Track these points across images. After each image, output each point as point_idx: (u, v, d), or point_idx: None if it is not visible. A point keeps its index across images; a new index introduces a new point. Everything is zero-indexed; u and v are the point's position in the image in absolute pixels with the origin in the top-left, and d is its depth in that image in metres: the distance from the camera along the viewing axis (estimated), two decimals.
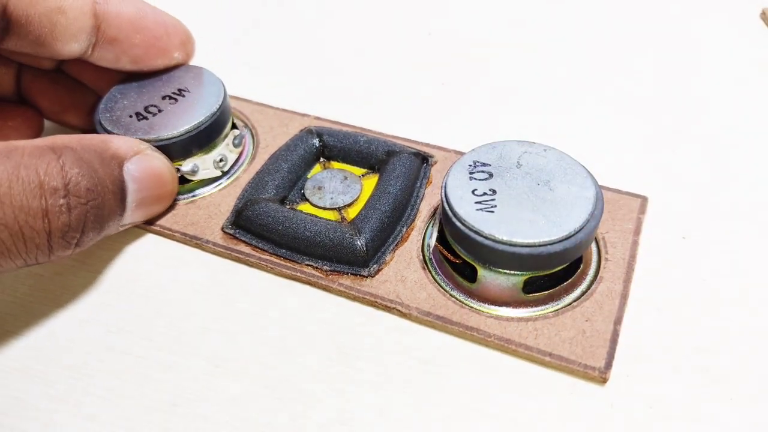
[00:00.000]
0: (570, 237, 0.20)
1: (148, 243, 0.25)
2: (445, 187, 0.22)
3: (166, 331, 0.22)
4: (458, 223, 0.21)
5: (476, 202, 0.21)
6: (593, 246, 0.24)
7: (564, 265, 0.21)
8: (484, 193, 0.21)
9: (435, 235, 0.24)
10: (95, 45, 0.25)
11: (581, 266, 0.23)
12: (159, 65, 0.27)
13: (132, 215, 0.23)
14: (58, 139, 0.21)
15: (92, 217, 0.21)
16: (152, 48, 0.26)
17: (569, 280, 0.22)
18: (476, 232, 0.20)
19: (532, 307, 0.22)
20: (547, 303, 0.22)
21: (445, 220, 0.22)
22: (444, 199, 0.21)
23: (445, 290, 0.23)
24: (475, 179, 0.22)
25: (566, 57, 0.34)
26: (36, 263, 0.20)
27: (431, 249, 0.24)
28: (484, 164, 0.22)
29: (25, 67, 0.28)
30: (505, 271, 0.21)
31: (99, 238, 0.22)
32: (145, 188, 0.23)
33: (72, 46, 0.24)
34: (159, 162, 0.24)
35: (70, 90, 0.29)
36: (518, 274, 0.21)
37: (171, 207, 0.26)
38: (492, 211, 0.21)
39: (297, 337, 0.22)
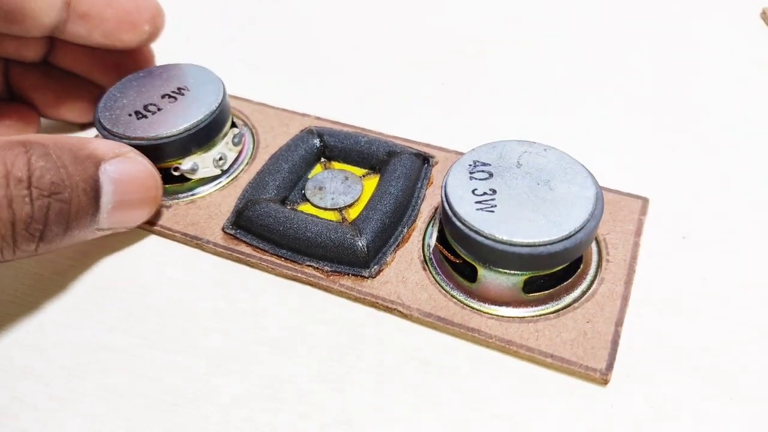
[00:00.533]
0: (570, 237, 0.20)
1: (149, 243, 0.25)
2: (445, 187, 0.22)
3: (166, 331, 0.22)
4: (458, 223, 0.21)
5: (476, 202, 0.21)
6: (594, 246, 0.24)
7: (564, 265, 0.21)
8: (484, 193, 0.21)
9: (435, 235, 0.24)
10: (67, 21, 0.25)
11: (581, 266, 0.23)
12: (130, 39, 0.27)
13: (110, 218, 0.23)
14: (33, 136, 0.21)
15: (55, 210, 0.20)
16: (123, 22, 0.26)
17: (569, 280, 0.22)
18: (476, 232, 0.20)
19: (532, 306, 0.22)
20: (547, 303, 0.22)
21: (446, 220, 0.22)
22: (444, 199, 0.21)
23: (445, 291, 0.23)
24: (475, 179, 0.22)
25: (566, 57, 0.34)
26: (2, 259, 0.20)
27: (431, 249, 0.24)
28: (484, 164, 0.22)
29: (12, 62, 0.28)
30: (506, 270, 0.21)
31: (69, 238, 0.22)
32: (123, 191, 0.23)
33: (43, 22, 0.24)
34: (141, 166, 0.24)
35: (61, 82, 0.29)
36: (518, 274, 0.21)
37: (171, 207, 0.26)
38: (492, 211, 0.21)
39: (298, 338, 0.22)
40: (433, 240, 0.24)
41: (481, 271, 0.21)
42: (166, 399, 0.21)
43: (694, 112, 0.30)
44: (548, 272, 0.21)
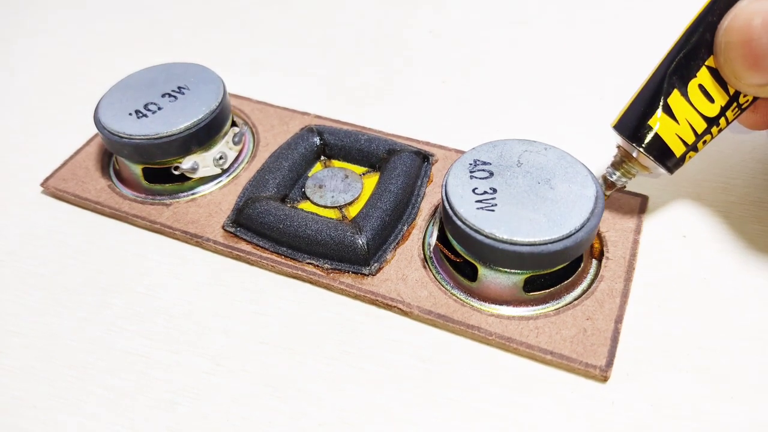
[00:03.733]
0: (570, 236, 0.20)
1: (149, 242, 0.25)
2: (445, 186, 0.22)
3: (166, 330, 0.22)
4: (459, 222, 0.21)
5: (477, 201, 0.21)
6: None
7: (564, 264, 0.21)
8: (485, 192, 0.21)
9: (435, 233, 0.24)
10: None
11: (582, 265, 0.23)
12: None
13: None
14: None
15: None
16: None
17: (570, 279, 0.22)
18: (477, 231, 0.20)
19: (532, 305, 0.22)
20: (547, 301, 0.22)
21: (446, 219, 0.22)
22: (444, 198, 0.21)
23: (446, 289, 0.23)
24: (476, 178, 0.22)
25: (567, 56, 0.34)
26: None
27: (432, 248, 0.24)
28: (484, 163, 0.22)
29: None
30: (506, 269, 0.21)
31: None
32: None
33: None
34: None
35: None
36: (519, 273, 0.21)
37: (171, 206, 0.26)
38: (492, 210, 0.21)
39: (298, 336, 0.22)
40: (433, 239, 0.24)
41: (482, 270, 0.21)
42: (167, 398, 0.21)
43: None
44: (548, 271, 0.21)
